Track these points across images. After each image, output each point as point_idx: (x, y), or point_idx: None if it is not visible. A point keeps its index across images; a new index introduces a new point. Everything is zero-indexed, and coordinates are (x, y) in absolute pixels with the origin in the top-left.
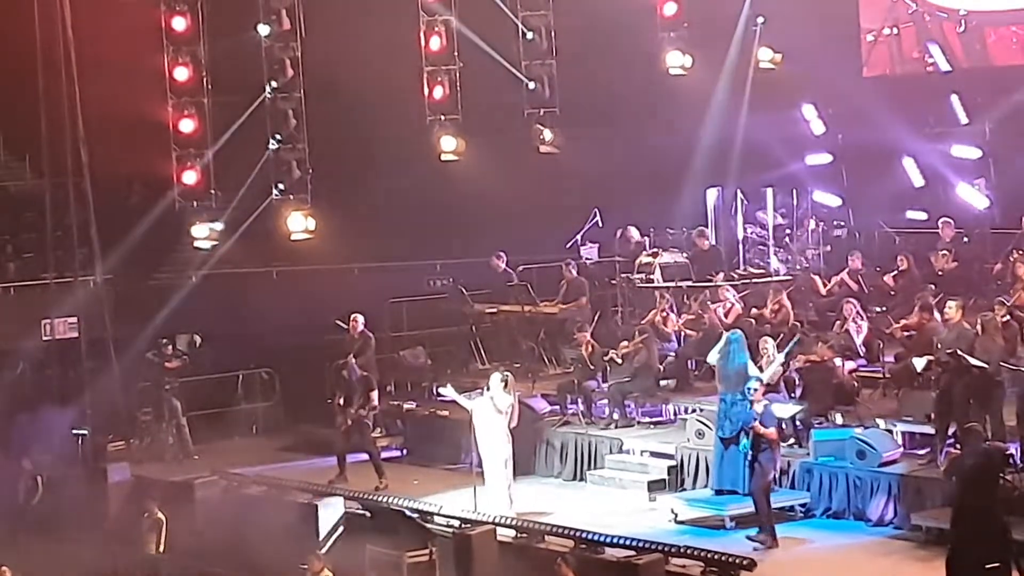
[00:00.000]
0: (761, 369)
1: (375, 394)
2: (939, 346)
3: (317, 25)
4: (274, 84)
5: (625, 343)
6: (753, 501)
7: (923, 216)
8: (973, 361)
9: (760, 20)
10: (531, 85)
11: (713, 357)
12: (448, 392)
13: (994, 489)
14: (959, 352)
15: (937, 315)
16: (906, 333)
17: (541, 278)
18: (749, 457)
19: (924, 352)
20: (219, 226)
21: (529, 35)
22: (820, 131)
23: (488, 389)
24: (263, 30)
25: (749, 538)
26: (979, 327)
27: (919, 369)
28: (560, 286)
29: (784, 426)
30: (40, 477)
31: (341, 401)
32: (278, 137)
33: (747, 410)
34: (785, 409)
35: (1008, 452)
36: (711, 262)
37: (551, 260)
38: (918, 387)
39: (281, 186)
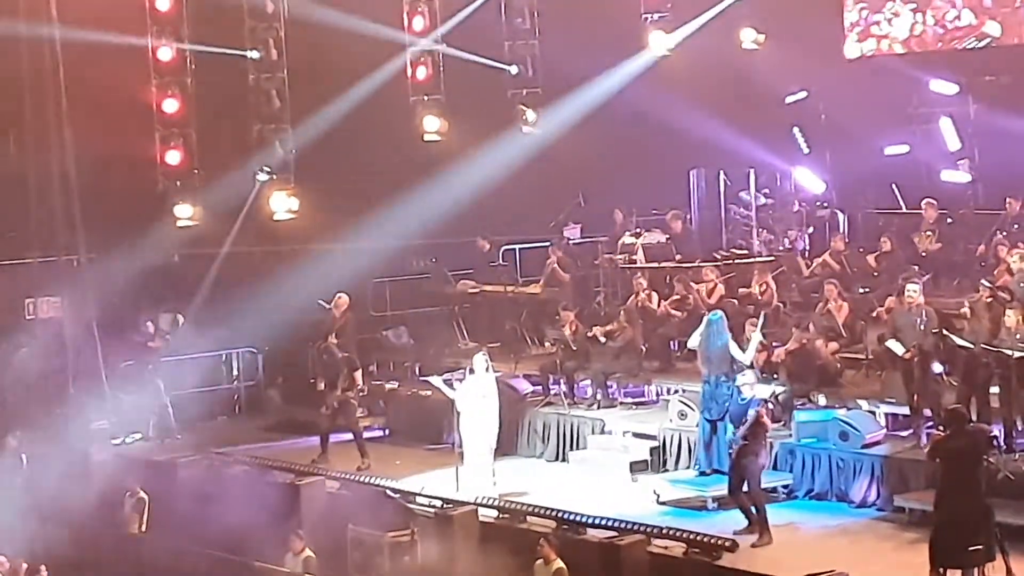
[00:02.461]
0: (743, 350)
1: (359, 374)
2: (919, 327)
3: (301, 6)
4: (257, 61)
5: (609, 323)
6: (751, 498)
7: (906, 194)
8: (959, 341)
9: None
10: (513, 70)
11: (694, 340)
12: (434, 382)
13: (978, 471)
14: (945, 332)
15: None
16: (888, 316)
17: (524, 258)
18: (738, 446)
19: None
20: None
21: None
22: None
23: (472, 372)
24: (247, 9)
25: (737, 532)
26: (967, 309)
27: (899, 352)
28: (545, 266)
29: (773, 408)
30: (24, 455)
31: (323, 383)
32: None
33: (733, 392)
34: (764, 389)
35: (992, 434)
36: (692, 243)
37: (534, 241)
38: (901, 368)
39: (265, 166)
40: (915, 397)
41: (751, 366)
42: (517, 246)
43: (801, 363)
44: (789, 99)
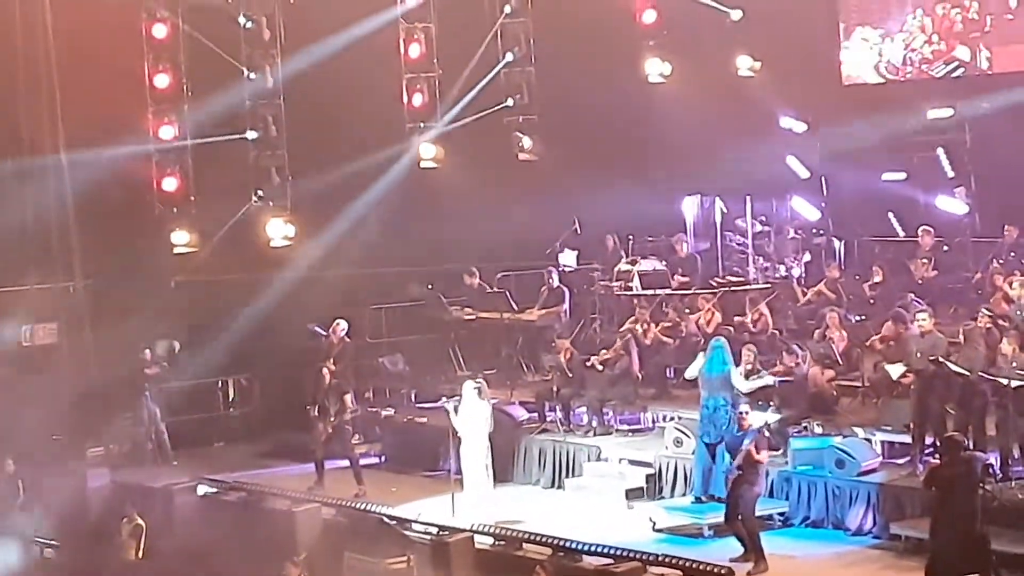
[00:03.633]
0: (746, 377)
1: (349, 398)
2: (918, 355)
3: (297, 31)
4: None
5: (605, 351)
6: (746, 526)
7: (903, 223)
8: (955, 368)
9: (736, 16)
10: (510, 101)
11: (692, 371)
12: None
13: (974, 499)
14: (941, 359)
15: (913, 326)
16: (886, 344)
17: (519, 285)
18: (733, 476)
19: (900, 361)
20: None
21: (508, 47)
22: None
23: (462, 397)
24: (244, 38)
25: (734, 560)
26: (961, 336)
27: (894, 377)
28: (540, 293)
29: (769, 437)
30: (22, 480)
31: (318, 409)
32: (254, 137)
33: (731, 418)
34: (759, 417)
35: (988, 462)
36: (689, 270)
37: (529, 267)
38: (897, 396)
39: (260, 192)
40: (914, 424)
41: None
42: (512, 272)
43: (795, 390)
44: (783, 122)
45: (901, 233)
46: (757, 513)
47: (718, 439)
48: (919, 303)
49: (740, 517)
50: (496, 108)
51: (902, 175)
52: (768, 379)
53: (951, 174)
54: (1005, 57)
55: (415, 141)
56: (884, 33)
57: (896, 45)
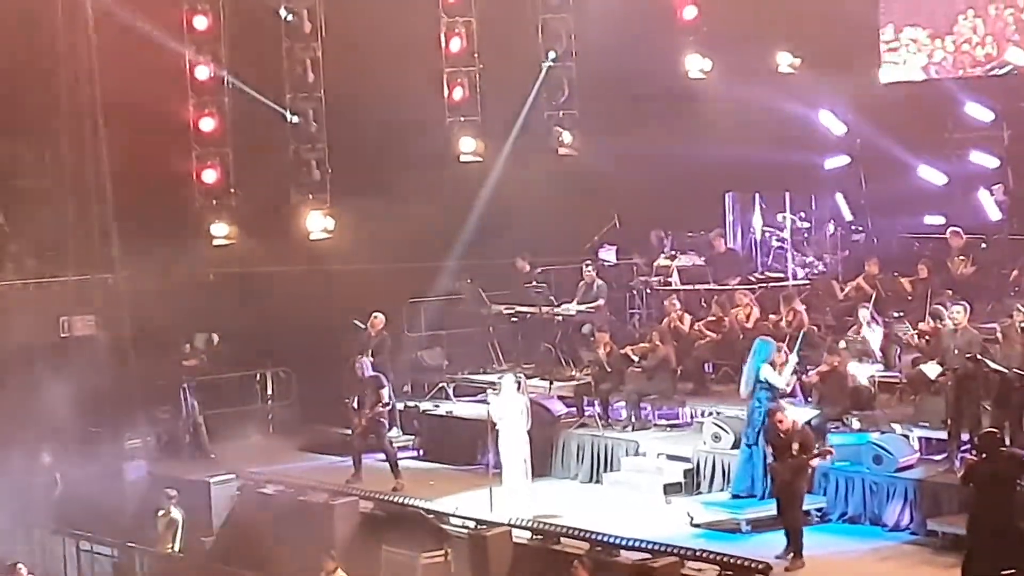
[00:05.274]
0: (778, 372)
1: (385, 392)
2: (955, 351)
3: (337, 25)
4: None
5: (642, 344)
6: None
7: (941, 220)
8: (993, 365)
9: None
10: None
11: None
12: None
13: (1011, 496)
14: (979, 356)
15: (948, 321)
16: (923, 339)
17: (559, 279)
18: (770, 468)
19: (939, 358)
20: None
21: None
22: (839, 135)
23: (501, 391)
24: (284, 30)
25: (778, 557)
26: (999, 333)
27: (932, 377)
28: (578, 287)
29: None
30: (59, 473)
31: (356, 402)
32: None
33: (764, 417)
34: (801, 413)
35: None
36: (728, 265)
37: (569, 262)
38: (934, 392)
39: (301, 186)
40: (950, 421)
41: (792, 392)
42: (552, 267)
43: (833, 386)
44: (822, 117)
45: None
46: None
47: (755, 439)
48: (962, 302)
49: (793, 515)
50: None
51: (941, 174)
52: (793, 358)
53: (991, 169)
54: None
55: (455, 134)
56: (932, 33)
57: (946, 45)
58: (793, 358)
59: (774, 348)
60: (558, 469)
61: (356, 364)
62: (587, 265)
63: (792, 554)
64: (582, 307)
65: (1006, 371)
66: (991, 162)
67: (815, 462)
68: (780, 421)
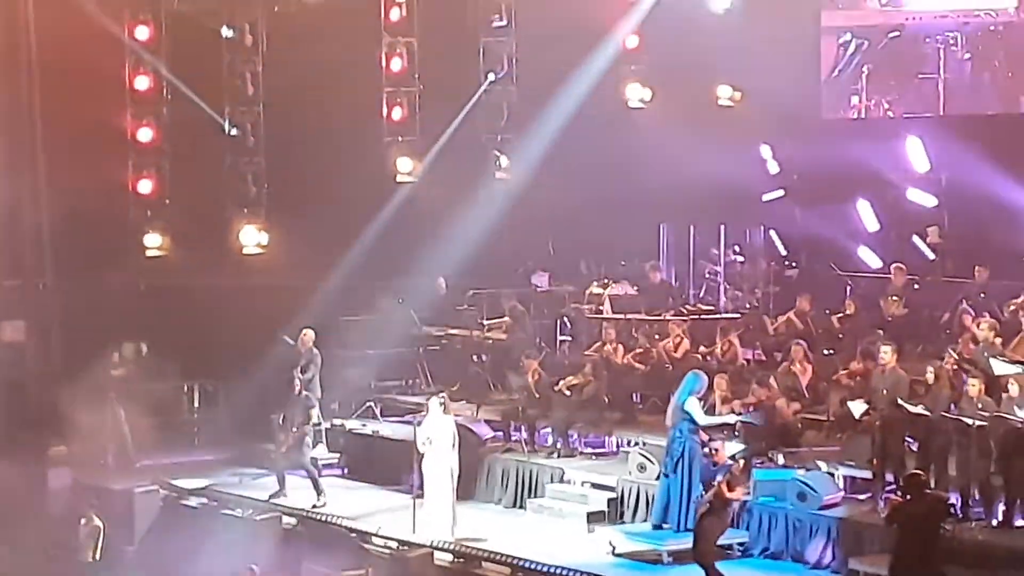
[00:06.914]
0: (713, 409)
1: (315, 411)
2: (883, 391)
3: (279, 41)
4: (233, 93)
5: (572, 377)
6: (702, 556)
7: (876, 260)
8: (914, 409)
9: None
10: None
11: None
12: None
13: (934, 539)
14: (900, 401)
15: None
16: (852, 379)
17: (490, 303)
18: (703, 508)
19: (867, 397)
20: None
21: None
22: (775, 171)
23: (427, 413)
24: (225, 44)
25: None
26: (931, 375)
27: (856, 415)
28: (502, 315)
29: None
30: None
31: (282, 419)
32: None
33: (683, 448)
34: (727, 447)
35: (950, 502)
36: (661, 296)
37: (501, 286)
38: (861, 431)
39: (236, 200)
40: (876, 461)
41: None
42: (484, 290)
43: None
44: (762, 152)
45: (874, 266)
46: (716, 543)
47: (673, 469)
48: (890, 343)
49: (702, 549)
50: None
51: (871, 212)
52: (730, 418)
53: (928, 209)
54: None
55: (392, 154)
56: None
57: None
58: (731, 419)
59: (703, 383)
60: (482, 493)
61: (288, 380)
62: (507, 294)
63: None
64: (502, 330)
65: (928, 414)
66: (929, 200)
67: (737, 494)
68: (715, 452)
